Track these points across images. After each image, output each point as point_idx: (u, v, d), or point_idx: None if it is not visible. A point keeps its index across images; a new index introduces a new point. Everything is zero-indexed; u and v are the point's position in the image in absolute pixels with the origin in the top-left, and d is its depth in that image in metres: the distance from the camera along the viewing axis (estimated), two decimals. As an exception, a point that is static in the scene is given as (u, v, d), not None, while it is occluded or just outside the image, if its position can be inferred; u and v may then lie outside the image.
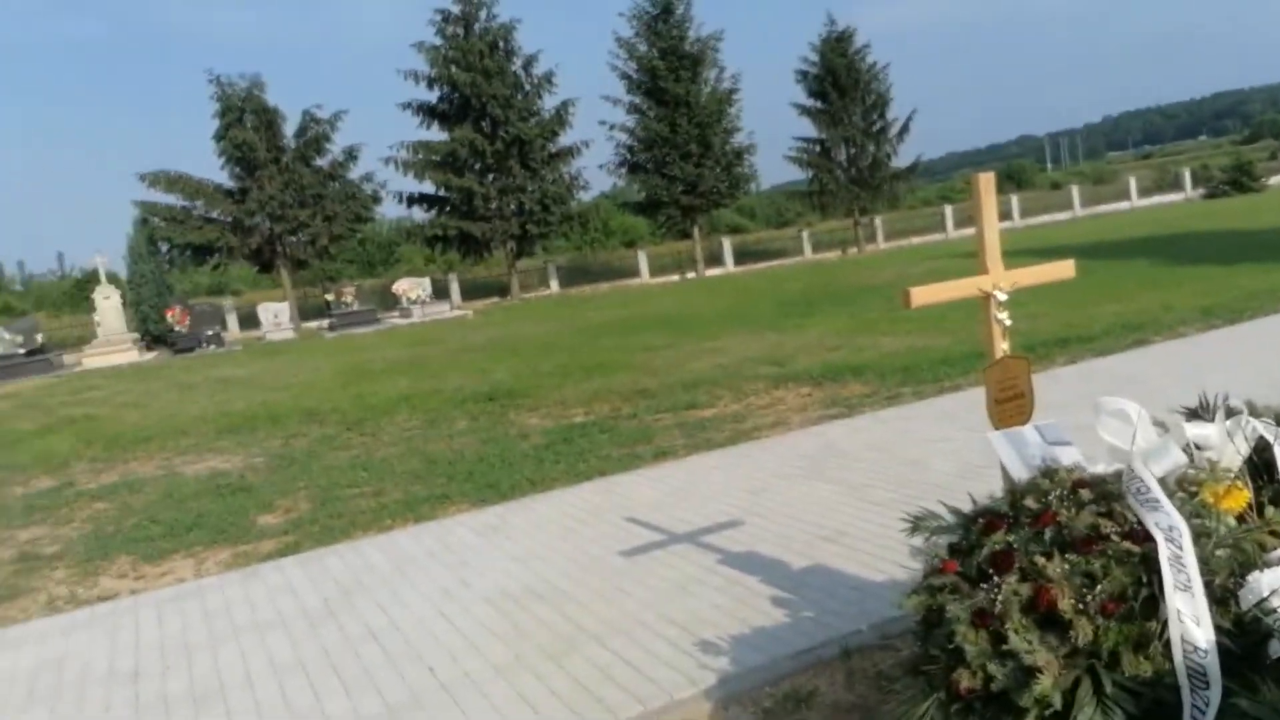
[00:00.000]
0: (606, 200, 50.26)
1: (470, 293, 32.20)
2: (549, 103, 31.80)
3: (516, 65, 31.27)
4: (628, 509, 5.47)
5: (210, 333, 24.34)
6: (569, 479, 6.44)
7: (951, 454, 5.74)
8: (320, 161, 29.74)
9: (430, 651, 3.80)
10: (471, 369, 13.32)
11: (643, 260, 34.08)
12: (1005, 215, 38.49)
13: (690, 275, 32.82)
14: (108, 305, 23.98)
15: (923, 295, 2.83)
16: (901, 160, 36.53)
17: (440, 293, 29.19)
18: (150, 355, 23.84)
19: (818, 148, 35.67)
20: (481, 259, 33.16)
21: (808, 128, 35.75)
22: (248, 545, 5.87)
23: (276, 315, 26.25)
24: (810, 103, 35.26)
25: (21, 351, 22.96)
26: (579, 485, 6.23)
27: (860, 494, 5.19)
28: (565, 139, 32.19)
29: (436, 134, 31.29)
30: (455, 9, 30.37)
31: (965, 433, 6.16)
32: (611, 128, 33.16)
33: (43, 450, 10.66)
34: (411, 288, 27.42)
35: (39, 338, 24.56)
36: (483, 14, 30.61)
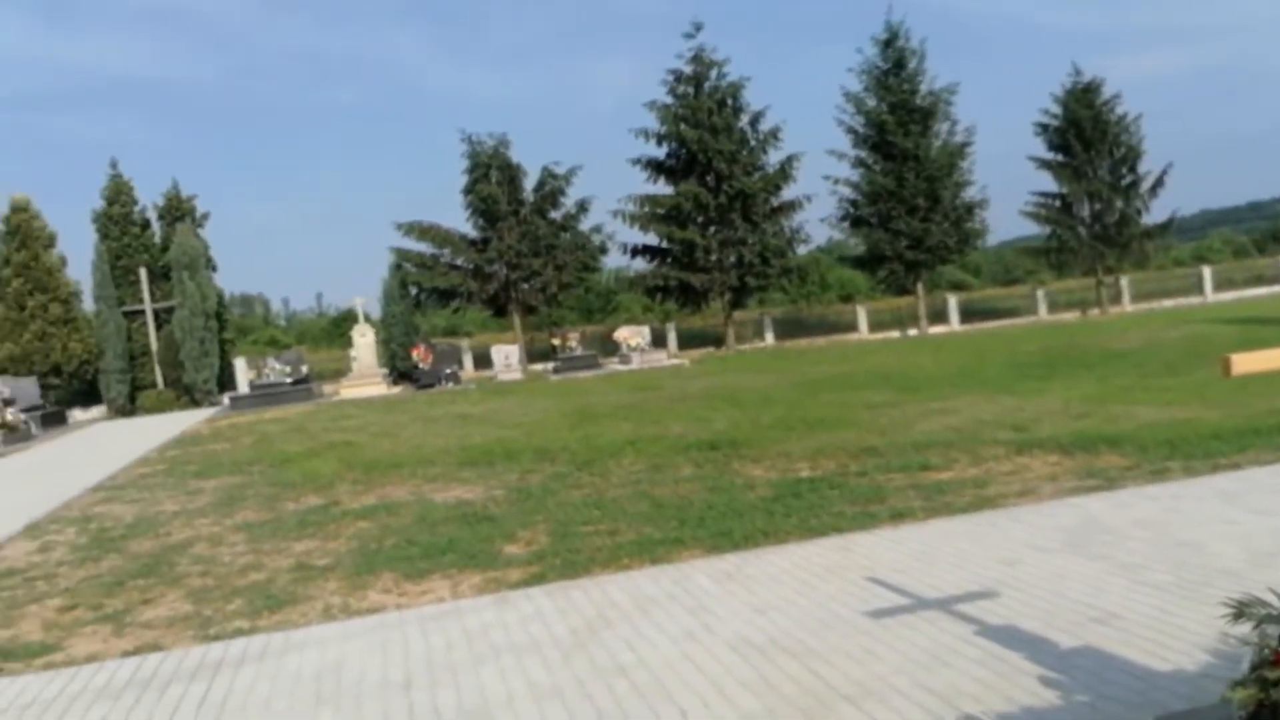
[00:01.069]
0: (824, 254, 49.83)
1: (686, 341, 32.79)
2: (773, 157, 32.16)
3: (743, 121, 31.89)
4: (869, 569, 5.33)
5: (449, 371, 26.18)
6: (802, 533, 6.36)
7: (1237, 538, 5.18)
8: (554, 214, 31.51)
9: (680, 693, 3.85)
10: (691, 417, 13.51)
11: (861, 315, 33.43)
12: None
13: (912, 332, 31.81)
14: (363, 342, 26.40)
15: (1246, 363, 2.59)
16: (1154, 217, 33.87)
17: (658, 341, 29.90)
18: (396, 389, 25.96)
19: (1057, 202, 33.78)
20: (699, 309, 33.74)
21: (1046, 181, 33.98)
22: (496, 572, 6.21)
23: (507, 357, 27.86)
24: (1051, 156, 33.51)
25: (289, 380, 25.69)
26: (813, 540, 6.14)
27: (1131, 574, 4.78)
28: (788, 193, 32.38)
29: (663, 188, 32.40)
30: (688, 69, 31.50)
31: (1251, 516, 5.56)
32: (836, 182, 33.01)
33: (310, 471, 11.80)
34: (631, 335, 28.29)
35: (304, 369, 27.39)
36: (713, 73, 31.54)
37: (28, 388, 24.86)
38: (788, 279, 33.62)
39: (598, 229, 32.20)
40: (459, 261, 31.25)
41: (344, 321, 54.33)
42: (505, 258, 30.11)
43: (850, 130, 32.96)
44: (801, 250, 34.16)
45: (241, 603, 6.13)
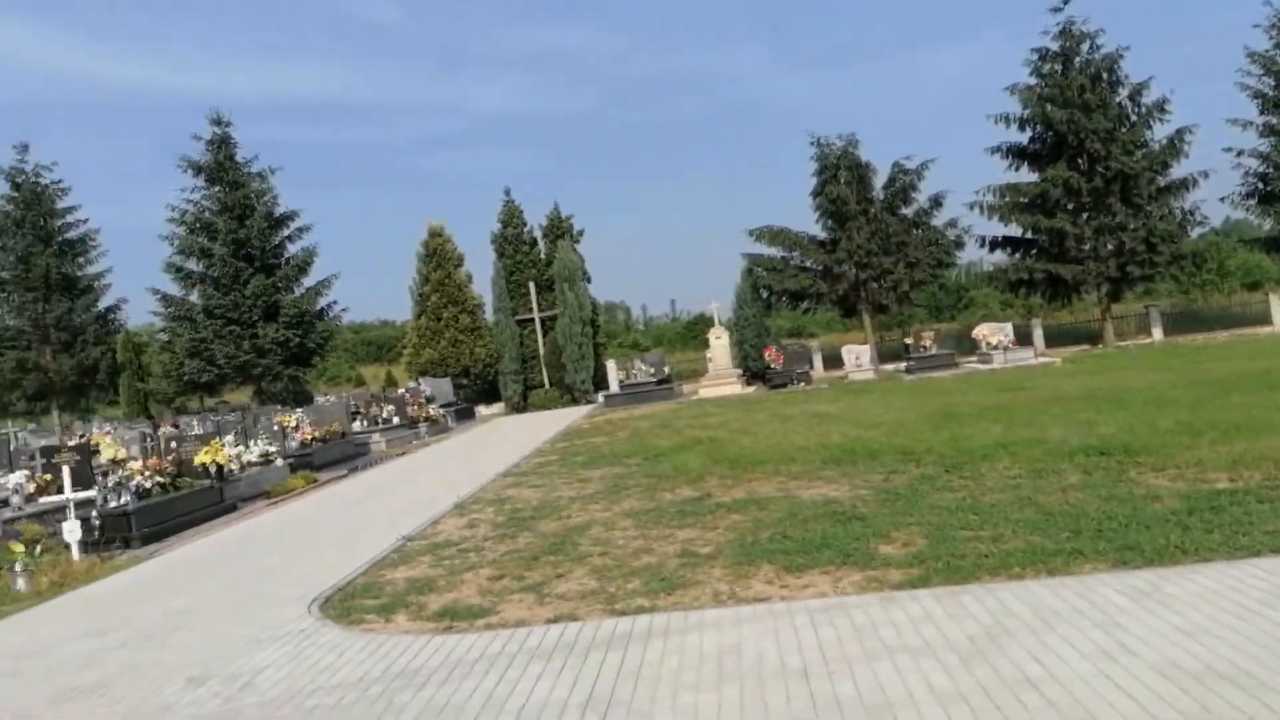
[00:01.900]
0: (1223, 237, 43.43)
1: (1054, 338, 30.22)
2: (1159, 132, 28.65)
3: (1121, 96, 28.78)
4: (1325, 598, 4.60)
5: (800, 370, 26.45)
6: (1229, 551, 5.64)
7: None
8: (906, 210, 30.61)
9: (1103, 713, 3.61)
10: (1070, 420, 12.43)
11: (1275, 305, 28.64)
12: None
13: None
14: (718, 344, 27.51)
15: None
16: None
17: (1022, 338, 27.86)
18: (750, 389, 26.73)
19: None
20: (1068, 303, 30.96)
21: None
22: (875, 571, 6.21)
23: (858, 357, 27.53)
24: None
25: (653, 380, 27.46)
26: (1246, 560, 5.42)
27: None
28: (1178, 171, 28.66)
29: (1026, 175, 30.17)
30: (1054, 46, 29.06)
31: None
32: (1239, 154, 28.64)
33: (680, 464, 12.54)
34: (992, 332, 26.64)
35: (666, 369, 29.14)
36: (1084, 47, 28.79)
37: (445, 387, 29.04)
38: (1179, 267, 29.76)
39: (952, 223, 30.76)
40: (808, 263, 31.44)
41: (697, 325, 56.97)
42: (855, 257, 29.78)
43: (1257, 95, 28.41)
44: (1195, 234, 30.03)
45: (639, 582, 6.71)
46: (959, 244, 31.03)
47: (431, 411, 25.43)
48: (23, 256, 33.41)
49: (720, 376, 26.80)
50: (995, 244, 31.16)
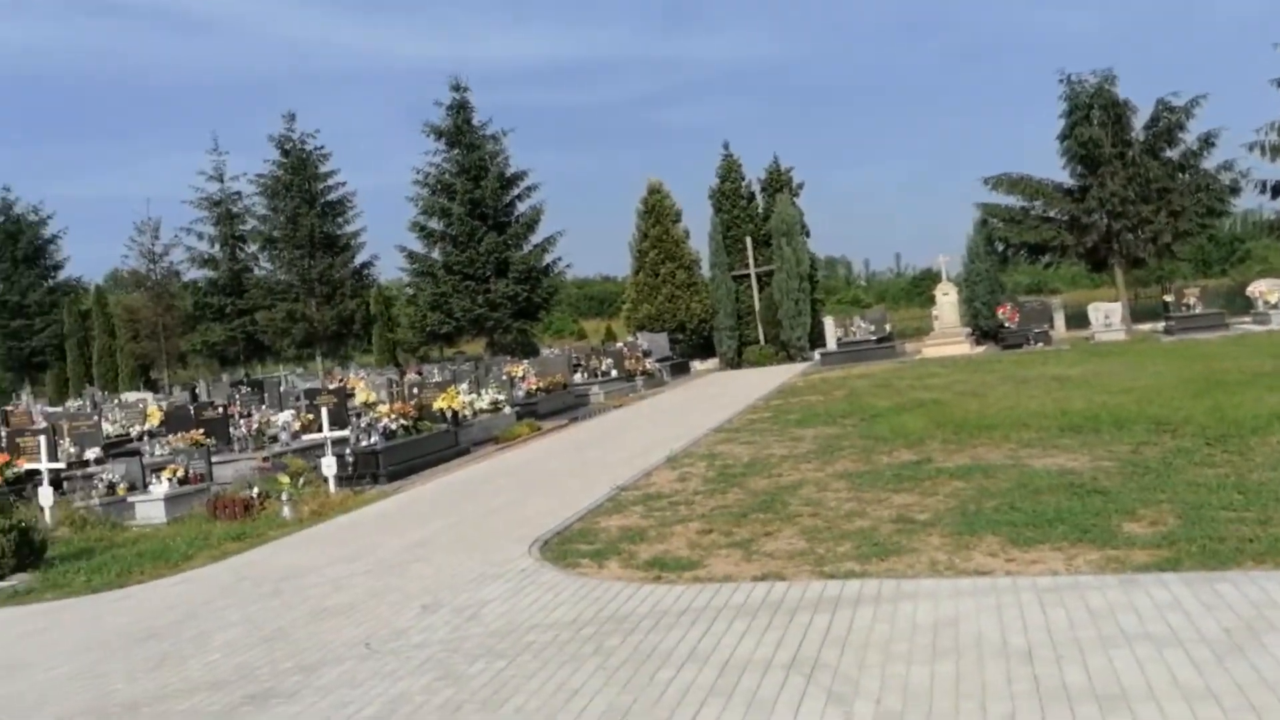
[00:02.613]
0: None
1: (1352, 298, 26.21)
2: None
3: None
4: None
5: (1038, 330, 24.60)
6: None
7: None
8: (1170, 153, 27.49)
9: (1396, 733, 3.09)
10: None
11: None
12: None
13: None
14: (946, 301, 26.10)
15: None
16: None
17: (1309, 297, 24.37)
18: (980, 349, 25.23)
19: None
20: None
21: None
22: (1116, 550, 5.67)
23: (1107, 315, 25.21)
24: None
25: (873, 338, 26.55)
26: None
27: None
28: None
29: (1322, 107, 26.14)
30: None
31: None
32: None
33: (899, 426, 12.04)
34: (1271, 290, 23.54)
35: (887, 327, 28.07)
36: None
37: (661, 341, 29.56)
38: None
39: (1226, 166, 27.27)
40: (1052, 213, 29.05)
41: (923, 281, 54.45)
42: (1107, 206, 27.14)
43: None
44: None
45: (850, 546, 6.51)
46: (1234, 190, 27.53)
47: (648, 366, 25.96)
48: (291, 217, 37.11)
49: (946, 335, 25.46)
50: (1279, 190, 27.39)
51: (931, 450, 10.05)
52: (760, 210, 32.41)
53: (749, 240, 31.42)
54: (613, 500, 9.31)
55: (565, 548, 7.55)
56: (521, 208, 35.44)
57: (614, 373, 24.38)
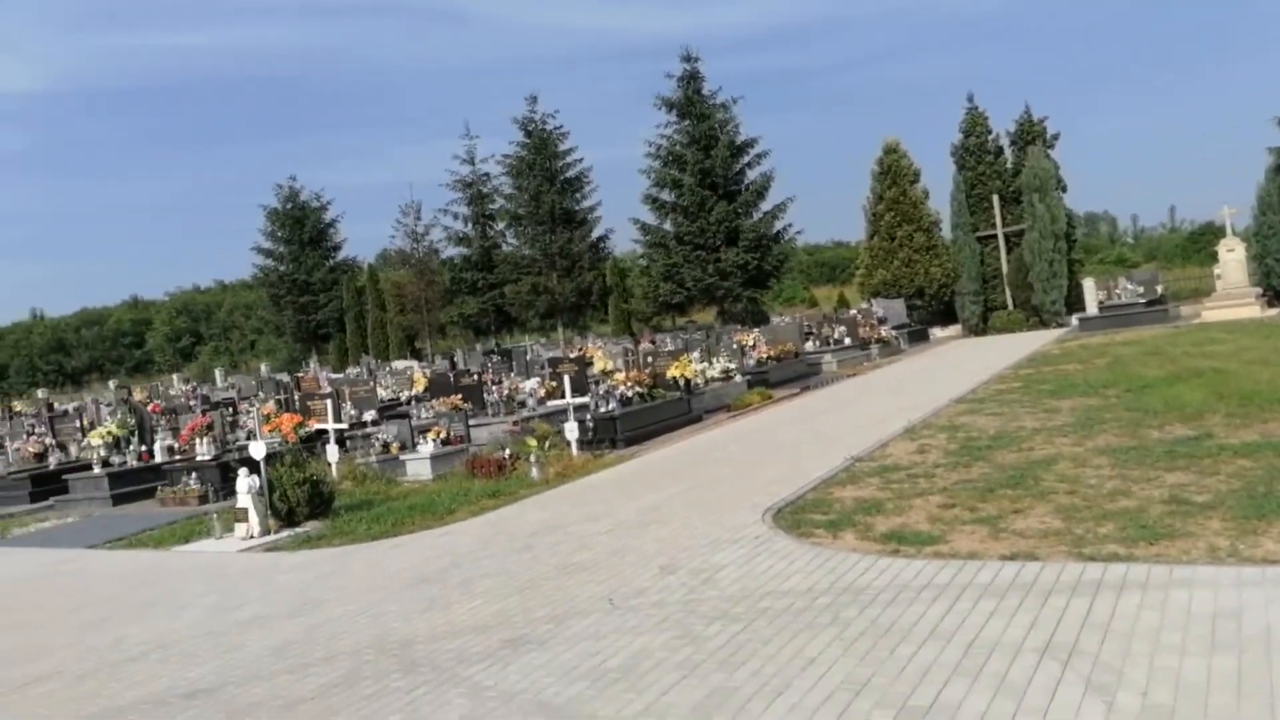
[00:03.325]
0: None
1: None
2: None
3: None
4: None
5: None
6: None
7: None
8: None
9: None
10: None
11: None
12: None
13: None
14: (1231, 258, 23.24)
15: None
16: None
17: None
18: (1271, 312, 22.29)
19: None
20: None
21: None
22: None
23: None
24: None
25: (1141, 301, 24.14)
26: None
27: None
28: None
29: None
30: None
31: None
32: None
33: (1173, 398, 10.92)
34: None
35: (1159, 289, 25.42)
36: None
37: (897, 308, 28.49)
38: None
39: None
40: (1366, 153, 25.01)
41: (1202, 236, 48.74)
42: None
43: None
44: None
45: (1113, 527, 6.00)
46: None
47: (883, 333, 25.13)
48: (534, 195, 39.08)
49: (1231, 296, 22.68)
50: None
51: (1212, 425, 9.05)
52: (1009, 166, 30.29)
53: (996, 198, 29.48)
54: (847, 471, 9.15)
55: (799, 517, 7.51)
56: (751, 175, 35.29)
57: (847, 340, 23.81)
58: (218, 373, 44.63)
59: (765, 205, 35.00)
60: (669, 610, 5.49)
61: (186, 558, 9.18)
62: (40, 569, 9.36)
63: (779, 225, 35.05)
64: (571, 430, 12.47)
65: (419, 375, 23.67)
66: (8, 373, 67.61)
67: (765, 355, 20.39)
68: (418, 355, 42.16)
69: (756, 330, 23.62)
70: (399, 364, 33.29)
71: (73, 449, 16.95)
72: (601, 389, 15.07)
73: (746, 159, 35.17)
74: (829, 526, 7.04)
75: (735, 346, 20.34)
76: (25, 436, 18.75)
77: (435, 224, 42.57)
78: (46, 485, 14.91)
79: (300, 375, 29.76)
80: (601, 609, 5.70)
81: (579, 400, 13.40)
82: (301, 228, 47.35)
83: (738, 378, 18.08)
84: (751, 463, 10.45)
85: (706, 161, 33.82)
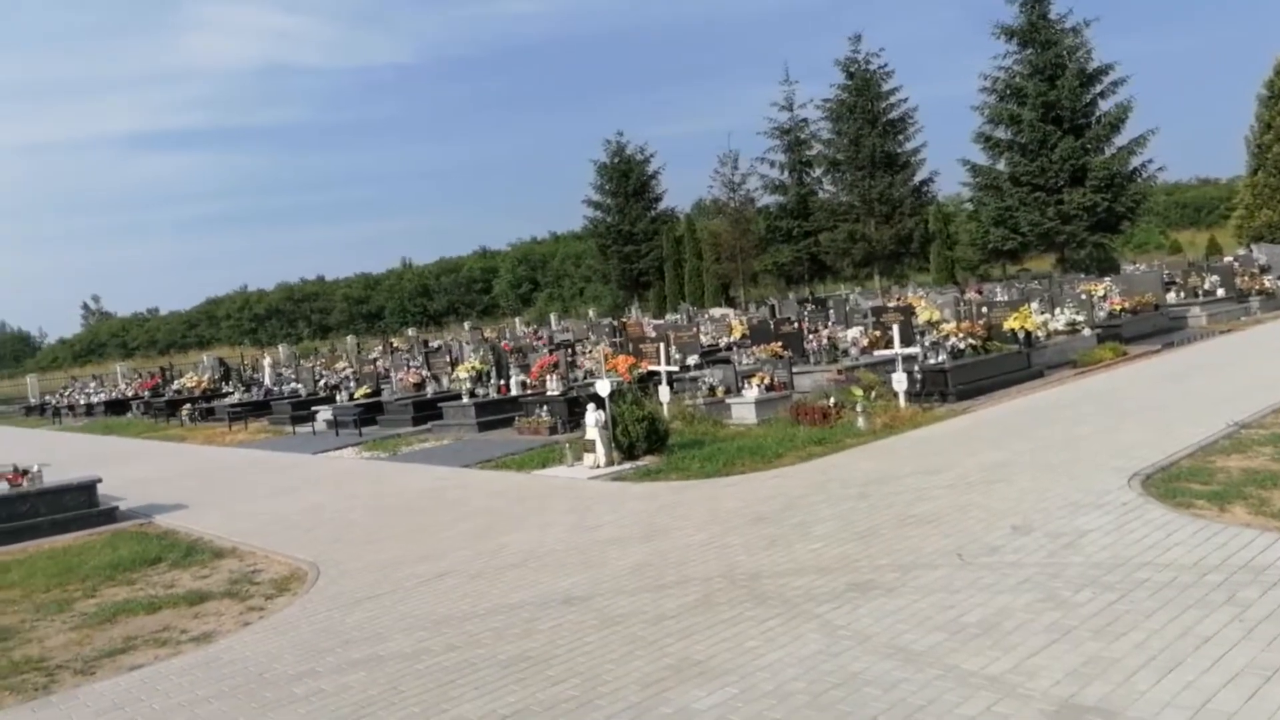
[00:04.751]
0: None
1: None
2: None
3: None
4: None
5: None
6: None
7: None
8: None
9: None
10: None
11: None
12: None
13: None
14: None
15: None
16: None
17: None
18: None
19: None
20: None
21: None
22: None
23: None
24: None
25: None
26: None
27: None
28: None
29: None
30: None
31: None
32: None
33: None
34: None
35: None
36: None
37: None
38: None
39: None
40: None
41: None
42: None
43: None
44: None
45: None
46: None
47: (1266, 283, 21.70)
48: (854, 139, 38.01)
49: None
50: None
51: None
52: None
53: None
54: (1230, 438, 8.09)
55: (1173, 485, 6.78)
56: (1104, 106, 31.75)
57: (1220, 292, 20.86)
58: (552, 317, 48.68)
59: (1120, 140, 31.39)
60: (1027, 572, 5.22)
61: (544, 481, 10.19)
62: (430, 483, 10.84)
63: (1136, 161, 31.30)
64: (900, 381, 12.14)
65: (736, 322, 24.21)
66: (384, 313, 78.24)
67: (1119, 307, 18.45)
68: (731, 303, 43.08)
69: (1107, 279, 21.40)
70: (715, 311, 34.20)
71: (444, 380, 19.34)
72: (929, 340, 14.48)
73: (1098, 88, 31.68)
74: (1213, 498, 6.29)
75: (1082, 297, 18.58)
76: (405, 369, 21.68)
77: (752, 172, 42.92)
78: (424, 411, 17.16)
79: (624, 320, 31.59)
80: (949, 563, 5.55)
81: (907, 351, 12.99)
82: (627, 181, 49.81)
83: (1086, 331, 16.54)
84: (1107, 423, 9.56)
85: (1051, 93, 30.89)
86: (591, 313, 44.90)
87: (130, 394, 32.20)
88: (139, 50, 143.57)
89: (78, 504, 10.08)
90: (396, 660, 4.96)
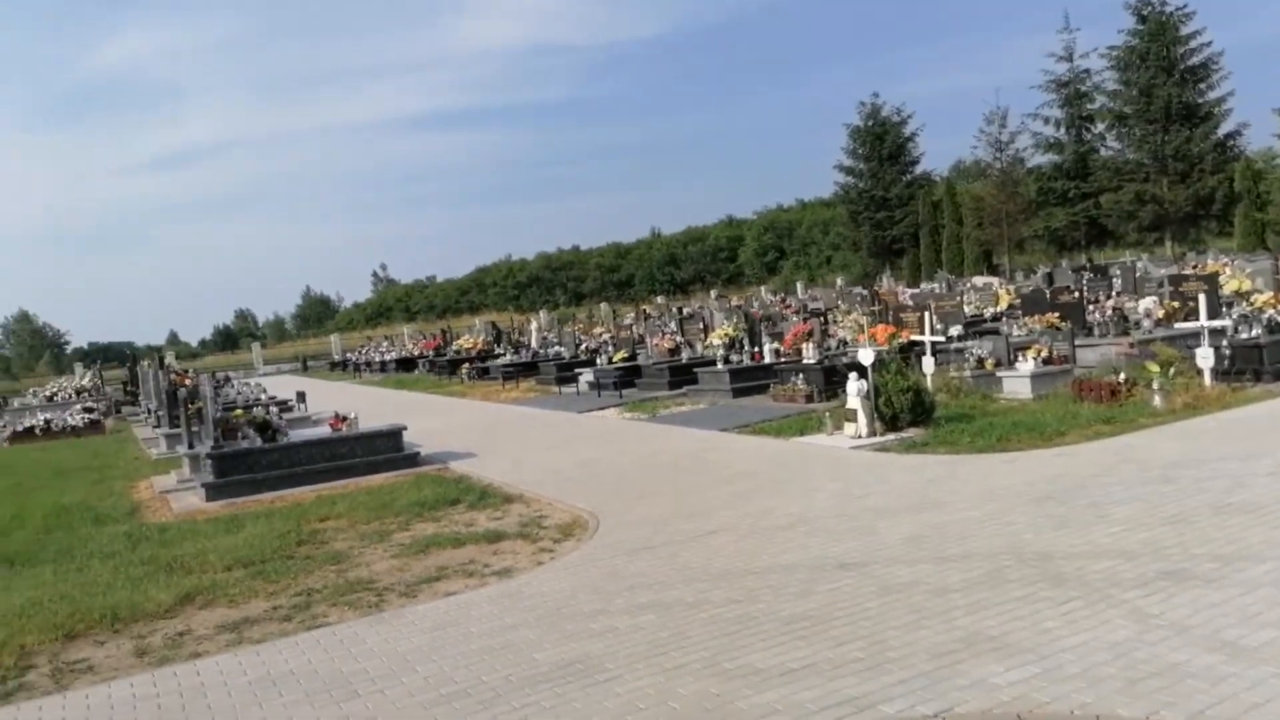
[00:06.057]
0: None
1: None
2: None
3: None
4: None
5: None
6: None
7: None
8: None
9: None
10: None
11: None
12: None
13: None
14: None
15: None
16: None
17: None
18: None
19: None
20: None
21: None
22: None
23: None
24: None
25: None
26: None
27: None
28: None
29: None
30: None
31: None
32: None
33: None
34: None
35: None
36: None
37: None
38: None
39: None
40: None
41: None
42: None
43: None
44: None
45: None
46: None
47: None
48: (1144, 89, 34.33)
49: None
50: None
51: None
52: None
53: None
54: None
55: None
56: None
57: None
58: (798, 285, 48.18)
59: None
60: (1384, 573, 4.59)
61: (804, 448, 10.18)
62: (691, 445, 11.17)
63: None
64: (1206, 357, 10.96)
65: (1003, 291, 22.78)
66: (634, 281, 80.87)
67: None
68: (994, 271, 40.53)
69: None
70: (978, 280, 32.35)
71: (697, 346, 19.77)
72: (1238, 312, 12.92)
73: None
74: None
75: None
76: (659, 335, 22.36)
77: (1022, 130, 39.99)
78: (679, 375, 17.64)
79: (876, 289, 30.64)
80: (1278, 557, 4.98)
81: (1214, 324, 11.67)
82: (881, 144, 48.08)
83: None
84: None
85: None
86: (840, 281, 43.95)
87: (416, 353, 35.60)
88: (423, 38, 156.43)
89: (387, 448, 11.33)
90: (680, 608, 5.20)
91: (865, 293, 27.96)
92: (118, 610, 6.16)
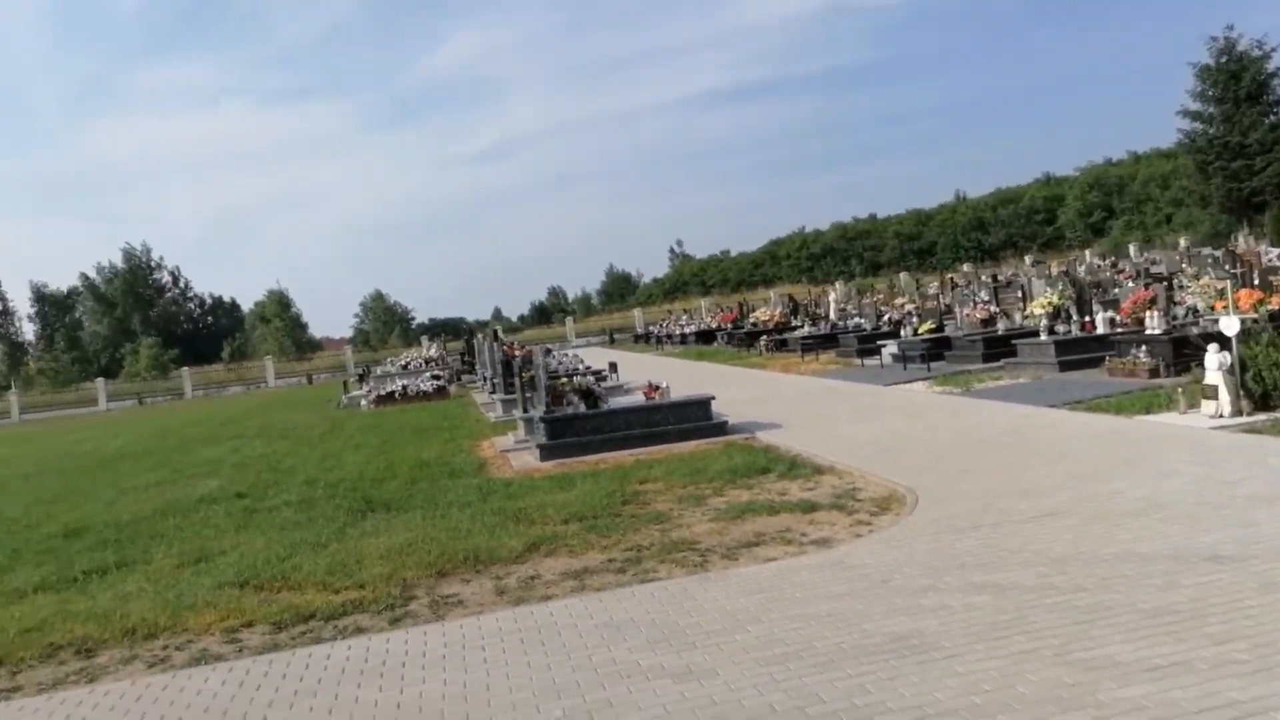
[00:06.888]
0: None
1: None
2: None
3: None
4: None
5: None
6: None
7: None
8: None
9: None
10: None
11: None
12: None
13: None
14: None
15: None
16: None
17: None
18: None
19: None
20: None
21: None
22: None
23: None
24: None
25: None
26: None
27: None
28: None
29: None
30: None
31: None
32: None
33: None
34: None
35: None
36: None
37: None
38: None
39: None
40: None
41: None
42: None
43: None
44: None
45: None
46: None
47: None
48: None
49: None
50: None
51: None
52: None
53: None
54: None
55: None
56: None
57: None
58: (1131, 247, 43.30)
59: None
60: None
61: (1150, 427, 9.17)
62: (1013, 420, 10.47)
63: None
64: None
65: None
66: (935, 249, 76.85)
67: None
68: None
69: None
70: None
71: (1015, 316, 18.44)
72: None
73: None
74: None
75: None
76: (971, 304, 21.11)
77: None
78: (995, 348, 16.56)
79: (1233, 248, 26.73)
80: None
81: None
82: (1238, 83, 41.75)
83: None
84: None
85: None
86: (1183, 241, 38.84)
87: (714, 326, 36.44)
88: (711, 14, 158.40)
89: (697, 416, 11.73)
90: (1019, 591, 4.90)
91: (1220, 254, 24.51)
92: (478, 553, 6.93)
